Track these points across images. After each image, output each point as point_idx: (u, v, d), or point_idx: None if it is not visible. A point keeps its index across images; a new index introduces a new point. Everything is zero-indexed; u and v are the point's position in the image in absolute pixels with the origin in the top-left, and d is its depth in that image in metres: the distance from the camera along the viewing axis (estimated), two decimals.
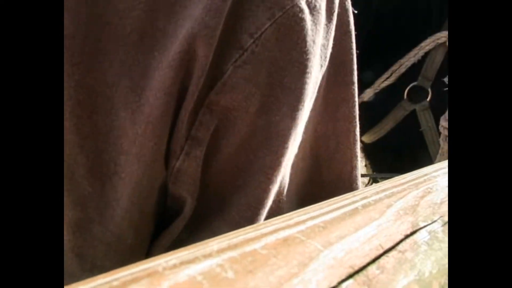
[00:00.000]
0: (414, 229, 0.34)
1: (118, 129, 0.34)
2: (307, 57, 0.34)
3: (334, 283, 0.25)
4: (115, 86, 0.33)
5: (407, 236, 0.32)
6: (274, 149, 0.36)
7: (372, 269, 0.28)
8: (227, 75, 0.33)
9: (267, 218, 0.37)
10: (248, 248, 0.26)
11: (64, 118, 0.33)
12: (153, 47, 0.32)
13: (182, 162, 0.35)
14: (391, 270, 0.28)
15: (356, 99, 0.42)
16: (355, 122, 0.43)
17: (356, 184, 0.44)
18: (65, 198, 0.36)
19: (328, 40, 0.37)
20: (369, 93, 0.97)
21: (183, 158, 0.35)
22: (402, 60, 0.94)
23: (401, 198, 0.38)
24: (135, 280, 0.21)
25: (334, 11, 0.37)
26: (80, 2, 0.32)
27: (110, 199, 0.36)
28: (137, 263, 0.23)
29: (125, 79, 0.33)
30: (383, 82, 0.96)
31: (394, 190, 0.40)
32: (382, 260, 0.29)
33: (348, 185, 0.43)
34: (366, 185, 1.19)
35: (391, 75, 0.95)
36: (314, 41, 0.35)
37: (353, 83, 0.41)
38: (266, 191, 0.37)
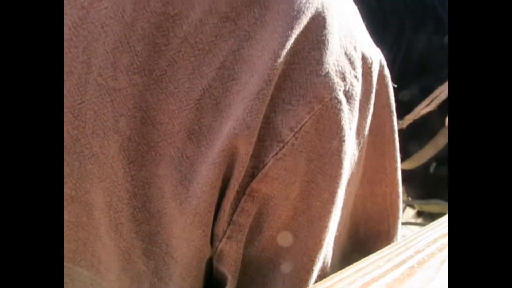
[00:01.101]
0: None
1: (169, 216, 0.37)
2: (345, 144, 0.36)
3: None
4: (165, 178, 0.36)
5: None
6: (316, 233, 0.38)
7: None
8: (268, 166, 0.35)
9: None
10: None
11: (121, 208, 0.37)
12: (200, 143, 0.35)
13: (224, 244, 0.37)
14: None
15: (397, 165, 0.44)
16: (394, 185, 0.45)
17: (394, 240, 0.46)
18: (123, 276, 0.41)
19: (366, 119, 0.39)
20: (408, 120, 0.99)
21: (225, 241, 0.37)
22: (442, 87, 0.96)
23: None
24: None
25: (372, 92, 0.39)
26: (135, 107, 0.35)
27: (164, 275, 0.40)
28: None
29: (174, 172, 0.36)
30: (423, 109, 0.98)
31: (444, 241, 0.42)
32: None
33: (386, 242, 0.45)
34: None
35: (431, 102, 0.97)
36: (351, 128, 0.37)
37: (391, 152, 0.43)
38: (309, 272, 0.39)
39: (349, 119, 0.36)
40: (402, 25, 0.96)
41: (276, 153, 0.35)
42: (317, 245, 0.38)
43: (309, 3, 0.36)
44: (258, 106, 0.34)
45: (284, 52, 0.35)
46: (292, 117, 0.35)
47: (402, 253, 0.39)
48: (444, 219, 0.47)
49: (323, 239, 0.38)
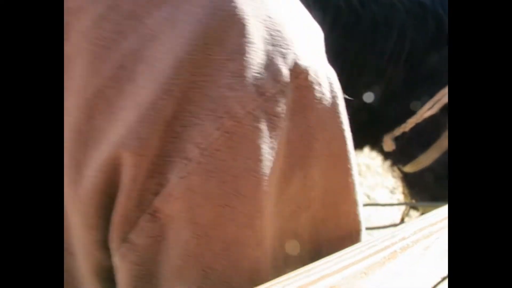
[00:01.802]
0: None
1: (67, 214, 0.35)
2: (264, 164, 0.34)
3: None
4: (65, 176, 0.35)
5: (444, 279, 0.35)
6: (233, 260, 0.35)
7: None
8: (172, 185, 0.32)
9: None
10: None
11: None
12: (88, 146, 0.33)
13: (118, 262, 0.34)
14: None
15: (356, 181, 0.41)
16: (356, 203, 0.42)
17: None
18: None
19: (300, 135, 0.36)
20: (411, 124, 0.99)
21: (118, 259, 0.34)
22: (444, 90, 0.96)
23: (438, 238, 0.40)
24: None
25: (307, 107, 0.36)
26: None
27: (77, 275, 0.38)
28: None
29: (67, 172, 0.34)
30: (426, 112, 0.98)
31: (432, 229, 0.42)
32: None
33: None
34: (404, 213, 1.20)
35: (433, 105, 0.97)
36: (273, 148, 0.34)
37: (349, 169, 0.39)
38: None
39: (270, 137, 0.34)
40: (403, 30, 0.97)
41: (180, 171, 0.32)
42: (238, 271, 0.35)
43: (227, 8, 0.33)
44: (153, 117, 0.32)
45: (190, 61, 0.32)
46: (198, 132, 0.32)
47: (386, 240, 0.40)
48: (434, 212, 0.47)
49: (244, 266, 0.35)
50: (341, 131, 0.38)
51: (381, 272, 0.34)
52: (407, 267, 0.35)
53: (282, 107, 0.34)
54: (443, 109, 0.98)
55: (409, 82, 0.98)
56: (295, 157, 0.36)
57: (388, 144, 1.04)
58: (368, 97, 0.98)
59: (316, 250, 0.40)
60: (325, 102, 0.36)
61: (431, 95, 0.98)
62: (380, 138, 1.06)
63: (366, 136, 1.08)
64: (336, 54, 0.95)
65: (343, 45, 0.94)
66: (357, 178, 0.41)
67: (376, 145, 1.10)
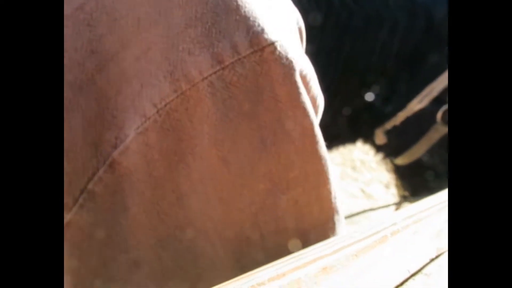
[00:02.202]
0: (439, 253, 0.38)
1: None
2: (218, 130, 0.35)
3: None
4: None
5: (432, 260, 0.37)
6: (187, 207, 0.37)
7: None
8: (129, 139, 0.34)
9: None
10: (293, 277, 0.31)
11: None
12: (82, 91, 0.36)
13: (73, 214, 0.36)
14: None
15: (328, 165, 0.41)
16: (332, 186, 0.42)
17: None
18: None
19: (268, 109, 0.37)
20: (401, 117, 1.01)
21: (75, 211, 0.35)
22: (433, 84, 0.98)
23: (427, 223, 0.42)
24: None
25: (268, 84, 0.36)
26: None
27: None
28: None
29: None
30: (416, 105, 1.00)
31: (421, 215, 0.44)
32: (409, 283, 0.34)
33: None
34: (396, 205, 1.22)
35: (423, 98, 0.99)
36: (228, 115, 0.35)
37: (321, 154, 0.40)
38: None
39: (226, 104, 0.35)
40: (395, 24, 0.98)
41: (138, 127, 0.34)
42: (188, 220, 0.37)
43: None
44: (113, 69, 0.34)
45: (152, 22, 0.34)
46: (157, 92, 0.34)
47: (377, 226, 0.41)
48: (423, 200, 0.49)
49: (195, 215, 0.37)
50: (310, 112, 0.39)
51: (372, 254, 0.36)
52: (397, 249, 0.37)
53: (240, 77, 0.35)
54: (432, 102, 1.00)
55: (400, 77, 1.00)
56: (265, 131, 0.37)
57: (380, 137, 1.06)
58: (362, 92, 1.00)
59: (304, 237, 0.41)
60: (296, 79, 0.37)
61: (421, 89, 0.99)
62: (372, 132, 1.07)
63: (358, 130, 1.09)
64: (330, 50, 0.97)
65: (336, 40, 0.96)
66: (328, 159, 0.41)
67: (369, 139, 1.11)
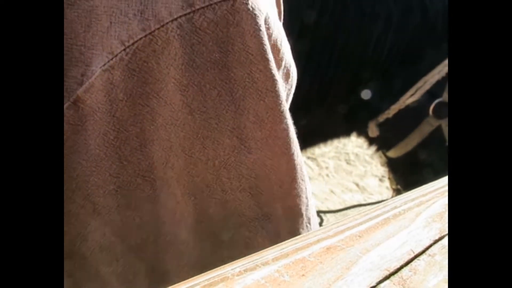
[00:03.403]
0: (442, 234, 0.38)
1: None
2: (185, 74, 0.35)
3: (373, 284, 0.30)
4: None
5: (435, 241, 0.36)
6: (147, 155, 0.36)
7: (405, 271, 0.32)
8: (95, 76, 0.34)
9: None
10: (297, 256, 0.31)
11: None
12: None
13: None
14: (422, 272, 0.32)
15: (288, 128, 0.40)
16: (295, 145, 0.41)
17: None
18: None
19: (239, 61, 0.36)
20: (394, 110, 1.01)
21: None
22: (426, 77, 0.98)
23: (429, 206, 0.42)
24: (212, 284, 0.26)
25: (237, 34, 0.36)
26: None
27: None
28: (209, 272, 0.28)
29: None
30: (408, 98, 1.00)
31: (423, 199, 0.43)
32: (414, 263, 0.33)
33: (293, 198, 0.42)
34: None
35: (416, 91, 0.99)
36: (195, 61, 0.35)
37: (281, 113, 0.39)
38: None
39: (194, 48, 0.35)
40: (390, 16, 0.98)
41: (104, 64, 0.34)
42: (150, 169, 0.37)
43: None
44: (82, 6, 0.34)
45: None
46: (125, 30, 0.34)
47: (378, 210, 0.41)
48: (424, 186, 0.49)
49: (156, 162, 0.37)
50: (277, 75, 0.38)
51: (375, 235, 0.35)
52: (400, 231, 0.36)
53: (210, 23, 0.34)
54: (424, 95, 1.00)
55: (393, 70, 1.00)
56: (234, 83, 0.36)
57: (373, 130, 1.06)
58: (357, 86, 1.00)
59: (269, 204, 0.40)
60: (265, 35, 0.37)
61: (414, 82, 1.00)
62: (365, 124, 1.07)
63: (353, 123, 1.09)
64: (324, 46, 0.96)
65: (330, 34, 0.95)
66: (288, 125, 0.40)
67: (363, 132, 1.11)
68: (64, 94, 0.34)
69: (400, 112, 1.02)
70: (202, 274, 0.28)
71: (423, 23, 0.97)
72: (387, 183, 2.04)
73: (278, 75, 0.38)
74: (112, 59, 0.33)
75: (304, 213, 0.43)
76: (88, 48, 0.34)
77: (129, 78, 0.34)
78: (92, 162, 0.36)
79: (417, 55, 0.99)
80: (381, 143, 1.11)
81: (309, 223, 0.44)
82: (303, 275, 0.29)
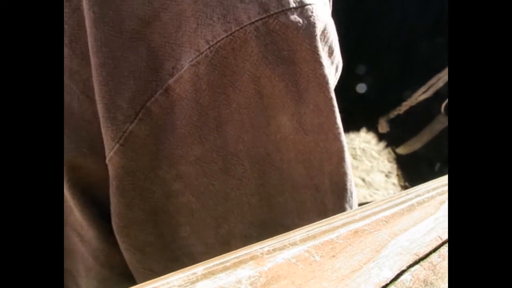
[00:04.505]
0: None
1: None
2: (258, 68, 0.41)
3: (404, 267, 0.29)
4: None
5: None
6: (224, 133, 0.43)
7: (434, 256, 0.31)
8: (184, 70, 0.40)
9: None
10: (325, 238, 0.30)
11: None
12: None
13: (135, 125, 0.42)
14: None
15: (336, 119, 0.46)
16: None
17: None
18: None
19: (307, 60, 0.42)
20: (405, 106, 1.00)
21: (136, 122, 0.42)
22: (439, 75, 0.97)
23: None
24: (242, 262, 0.25)
25: (303, 37, 0.41)
26: None
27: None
28: (238, 250, 0.27)
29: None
30: (420, 95, 0.99)
31: (444, 188, 0.43)
32: (442, 250, 0.32)
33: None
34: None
35: (428, 89, 0.98)
36: (266, 57, 0.41)
37: (331, 105, 0.45)
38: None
39: (268, 48, 0.40)
40: (405, 15, 0.97)
41: (192, 60, 0.40)
42: (223, 146, 0.43)
43: None
44: (175, 10, 0.40)
45: None
46: (210, 31, 0.40)
47: (402, 197, 0.40)
48: (444, 178, 0.48)
49: (233, 142, 0.44)
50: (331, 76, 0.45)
51: (401, 221, 0.34)
52: (426, 218, 0.36)
53: (282, 26, 0.40)
54: (437, 93, 0.99)
55: (407, 66, 0.99)
56: (300, 77, 0.42)
57: (383, 126, 1.05)
58: (366, 81, 0.99)
59: (318, 178, 0.47)
60: (326, 40, 0.43)
61: (427, 80, 0.99)
62: (376, 120, 1.06)
63: (363, 118, 1.08)
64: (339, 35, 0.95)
65: (344, 29, 0.94)
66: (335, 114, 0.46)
67: (372, 127, 1.10)
68: (158, 83, 0.41)
69: (411, 109, 1.01)
70: (231, 252, 0.27)
71: (440, 18, 0.96)
72: (393, 179, 2.03)
73: (332, 72, 0.45)
74: (198, 56, 0.40)
75: (348, 188, 0.49)
76: (178, 45, 0.40)
77: (211, 72, 0.40)
78: (177, 138, 0.43)
79: (432, 51, 0.98)
80: (391, 139, 1.10)
81: (352, 197, 0.50)
82: (333, 256, 0.28)
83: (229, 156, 0.44)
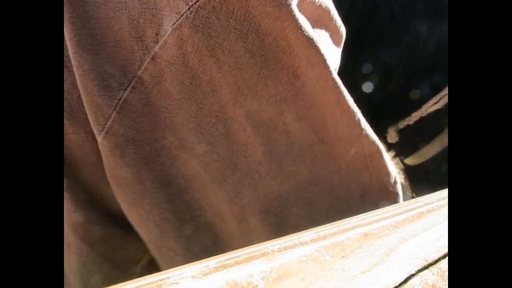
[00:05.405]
0: None
1: None
2: (244, 24, 0.40)
3: (413, 271, 0.29)
4: None
5: None
6: (220, 97, 0.42)
7: (443, 263, 0.31)
8: (167, 35, 0.40)
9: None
10: (335, 239, 0.30)
11: None
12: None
13: (128, 94, 0.42)
14: None
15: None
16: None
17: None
18: None
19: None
20: (415, 117, 1.00)
21: (130, 90, 0.42)
22: None
23: None
24: (253, 257, 0.25)
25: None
26: None
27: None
28: (248, 247, 0.27)
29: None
30: (431, 106, 0.99)
31: None
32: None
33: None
34: None
35: (439, 100, 0.98)
36: (250, 12, 0.40)
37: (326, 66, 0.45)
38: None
39: (249, 4, 0.39)
40: (418, 23, 0.97)
41: (174, 23, 0.39)
42: (222, 109, 0.43)
43: None
44: None
45: None
46: None
47: (411, 204, 0.40)
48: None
49: (227, 104, 0.43)
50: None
51: (411, 227, 0.34)
52: (436, 224, 0.36)
53: None
54: (447, 105, 0.99)
55: (418, 77, 0.99)
56: (292, 36, 0.41)
57: (392, 135, 1.05)
58: (370, 88, 0.99)
59: (327, 138, 0.46)
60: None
61: (434, 88, 0.99)
62: (385, 130, 1.06)
63: (371, 127, 1.08)
64: (351, 45, 0.95)
65: (358, 36, 0.94)
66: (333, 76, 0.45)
67: (381, 136, 1.10)
68: (145, 51, 0.40)
69: (421, 120, 1.01)
70: (242, 248, 0.27)
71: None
72: None
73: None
74: (179, 18, 0.39)
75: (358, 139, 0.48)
76: (158, 10, 0.39)
77: (195, 33, 0.39)
78: (174, 106, 0.42)
79: (442, 64, 0.98)
80: (399, 150, 1.10)
81: (363, 148, 0.49)
82: (343, 256, 0.28)
83: (229, 121, 0.43)
